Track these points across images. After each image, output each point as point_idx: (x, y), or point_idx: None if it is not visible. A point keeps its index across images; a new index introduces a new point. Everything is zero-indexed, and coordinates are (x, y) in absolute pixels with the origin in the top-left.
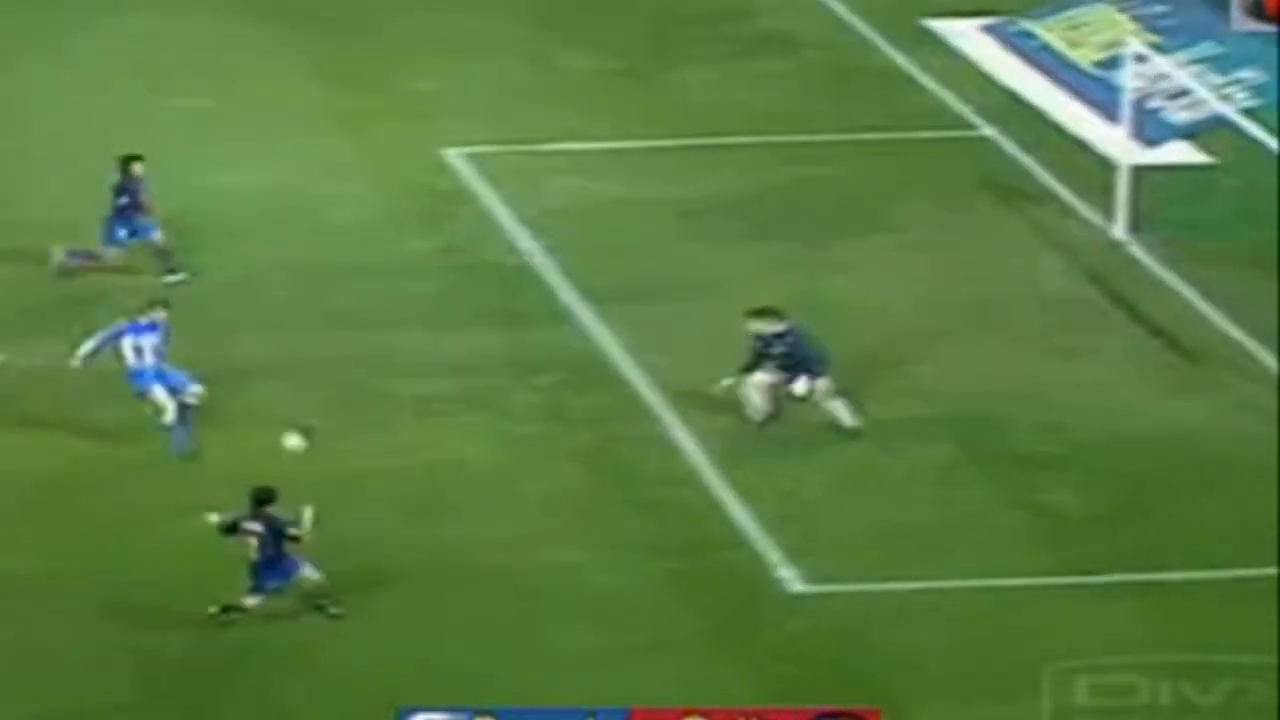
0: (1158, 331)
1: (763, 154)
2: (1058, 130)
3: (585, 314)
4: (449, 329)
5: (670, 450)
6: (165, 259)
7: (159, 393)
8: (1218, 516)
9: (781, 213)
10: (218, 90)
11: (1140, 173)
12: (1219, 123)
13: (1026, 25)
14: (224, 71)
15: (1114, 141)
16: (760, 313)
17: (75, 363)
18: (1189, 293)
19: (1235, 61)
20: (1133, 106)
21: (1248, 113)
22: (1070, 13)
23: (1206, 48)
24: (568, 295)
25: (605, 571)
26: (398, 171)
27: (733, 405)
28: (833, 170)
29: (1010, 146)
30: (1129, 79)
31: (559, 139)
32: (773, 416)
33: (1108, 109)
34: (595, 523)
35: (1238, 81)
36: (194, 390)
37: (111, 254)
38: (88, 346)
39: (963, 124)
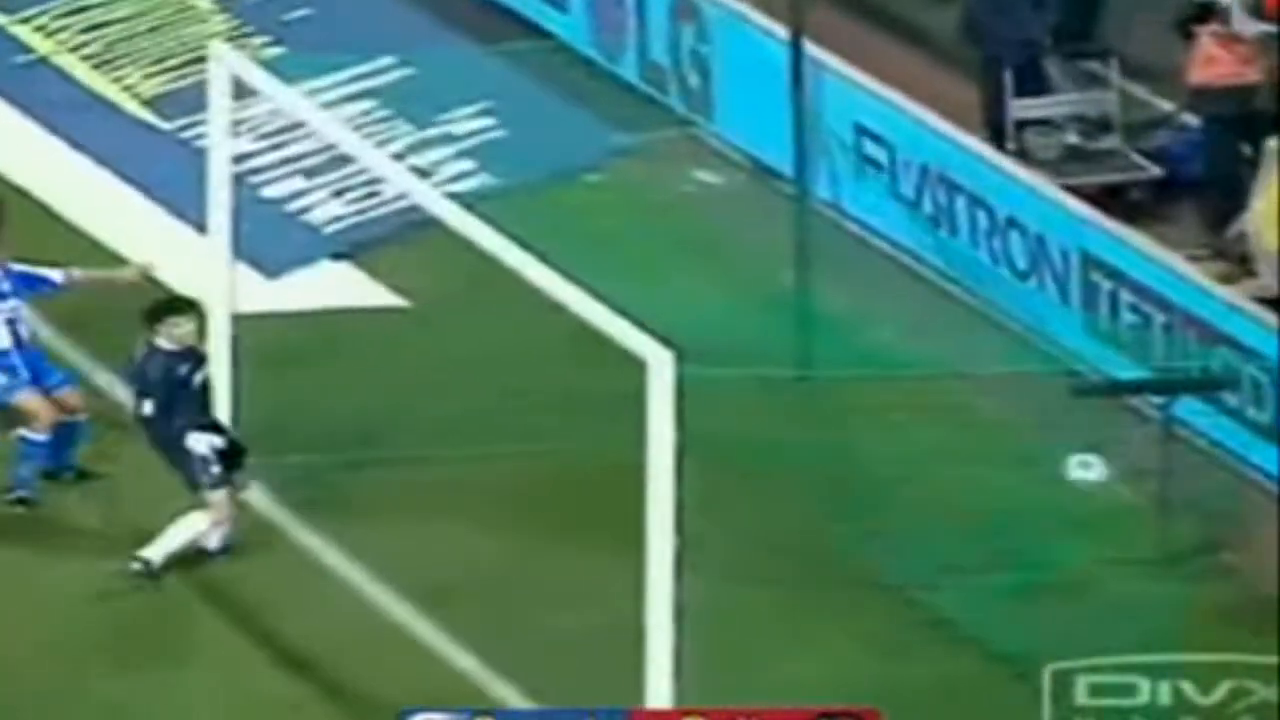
0: None
1: None
2: (81, 240)
3: None
4: None
5: None
6: None
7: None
8: None
9: None
10: None
11: (272, 329)
12: (416, 224)
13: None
14: None
15: (201, 264)
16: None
17: None
18: None
19: (444, 97)
20: (236, 192)
21: (468, 202)
22: None
23: (384, 70)
24: None
25: None
26: None
27: None
28: None
29: None
30: (223, 136)
31: None
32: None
33: (179, 197)
34: None
35: (451, 139)
36: None
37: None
38: None
39: None
